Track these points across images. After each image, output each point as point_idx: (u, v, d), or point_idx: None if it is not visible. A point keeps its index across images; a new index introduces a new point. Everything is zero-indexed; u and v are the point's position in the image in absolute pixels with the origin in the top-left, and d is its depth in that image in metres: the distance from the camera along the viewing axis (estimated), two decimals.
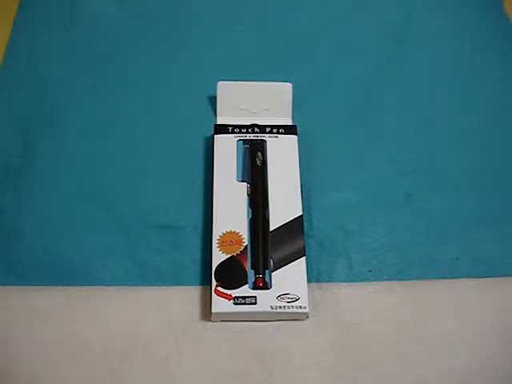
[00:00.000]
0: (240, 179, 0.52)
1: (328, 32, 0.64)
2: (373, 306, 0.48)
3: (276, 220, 0.49)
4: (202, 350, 0.45)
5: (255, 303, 0.45)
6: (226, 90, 0.56)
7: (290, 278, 0.47)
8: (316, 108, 0.59)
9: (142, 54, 0.62)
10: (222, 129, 0.54)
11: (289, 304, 0.45)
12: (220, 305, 0.45)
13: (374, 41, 0.64)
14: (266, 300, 0.45)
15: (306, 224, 0.50)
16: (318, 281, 0.49)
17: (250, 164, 0.53)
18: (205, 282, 0.48)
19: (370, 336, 0.46)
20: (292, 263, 0.47)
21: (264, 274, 0.47)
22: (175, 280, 0.48)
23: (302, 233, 0.49)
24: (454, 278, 0.49)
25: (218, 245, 0.48)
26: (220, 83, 0.56)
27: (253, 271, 0.47)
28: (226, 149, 0.53)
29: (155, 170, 0.54)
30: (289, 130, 0.55)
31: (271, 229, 0.49)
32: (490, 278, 0.49)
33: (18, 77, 0.59)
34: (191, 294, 0.48)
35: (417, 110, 0.59)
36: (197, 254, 0.50)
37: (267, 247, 0.48)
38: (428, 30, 0.65)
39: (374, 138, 0.57)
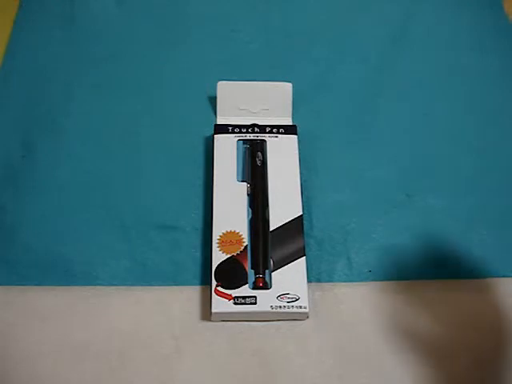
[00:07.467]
0: (240, 179, 0.52)
1: (328, 32, 0.64)
2: (373, 306, 0.48)
3: (276, 220, 0.49)
4: (201, 350, 0.45)
5: (255, 303, 0.45)
6: (226, 90, 0.56)
7: (290, 277, 0.47)
8: (316, 108, 0.59)
9: (142, 53, 0.62)
10: (222, 129, 0.54)
11: (289, 304, 0.45)
12: (220, 305, 0.45)
13: (374, 41, 0.64)
14: (266, 300, 0.45)
15: (306, 224, 0.50)
16: (318, 281, 0.49)
17: (249, 164, 0.53)
18: (205, 282, 0.48)
19: (369, 336, 0.46)
20: (292, 263, 0.47)
21: (264, 273, 0.47)
22: (175, 280, 0.48)
23: (302, 233, 0.49)
24: (454, 278, 0.49)
25: (217, 245, 0.48)
26: (220, 83, 0.56)
27: (253, 271, 0.47)
28: (226, 149, 0.53)
29: (155, 169, 0.54)
30: (289, 130, 0.54)
31: (271, 229, 0.49)
32: (489, 278, 0.49)
33: (17, 77, 0.59)
34: (191, 294, 0.48)
35: (417, 110, 0.59)
36: (197, 254, 0.50)
37: (267, 247, 0.48)
38: (428, 30, 0.65)
39: (374, 137, 0.57)
